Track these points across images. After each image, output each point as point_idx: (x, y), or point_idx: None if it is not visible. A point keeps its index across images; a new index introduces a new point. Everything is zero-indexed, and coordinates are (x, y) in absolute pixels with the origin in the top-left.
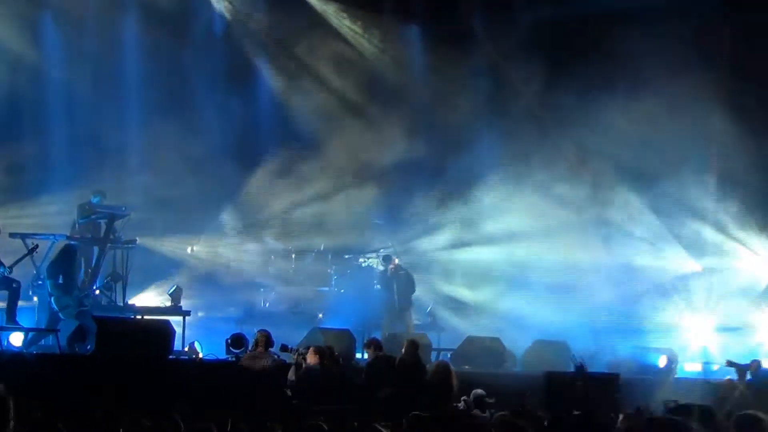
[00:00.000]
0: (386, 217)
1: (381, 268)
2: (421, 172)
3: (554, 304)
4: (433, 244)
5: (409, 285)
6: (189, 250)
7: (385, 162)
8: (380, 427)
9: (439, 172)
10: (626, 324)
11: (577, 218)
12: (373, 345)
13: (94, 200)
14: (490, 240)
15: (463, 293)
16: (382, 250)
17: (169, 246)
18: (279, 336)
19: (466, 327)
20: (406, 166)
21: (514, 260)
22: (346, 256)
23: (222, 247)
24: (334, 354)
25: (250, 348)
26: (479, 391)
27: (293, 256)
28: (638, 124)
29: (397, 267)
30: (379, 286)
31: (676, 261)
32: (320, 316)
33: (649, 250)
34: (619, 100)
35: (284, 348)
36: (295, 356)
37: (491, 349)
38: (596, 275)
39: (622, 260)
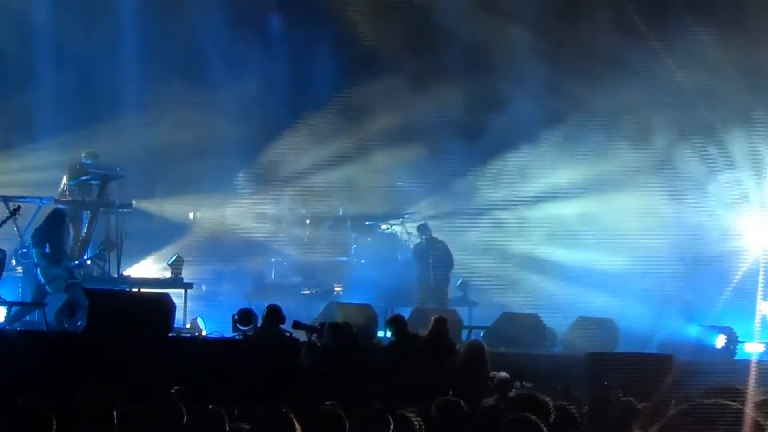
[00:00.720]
0: (416, 180)
1: (415, 238)
2: (459, 131)
3: (603, 277)
4: (470, 210)
5: (447, 258)
6: (192, 215)
7: (422, 120)
8: (407, 414)
9: (478, 131)
10: (690, 298)
11: (638, 180)
12: (397, 322)
13: (87, 162)
14: (534, 205)
15: (501, 265)
16: (407, 215)
17: (170, 210)
18: (292, 311)
19: (502, 302)
20: (443, 124)
21: (561, 227)
22: (367, 223)
23: (230, 211)
24: (352, 332)
25: (259, 324)
26: (503, 374)
27: (308, 222)
28: (700, 73)
29: (434, 238)
30: (413, 258)
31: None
32: (338, 289)
33: (724, 214)
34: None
35: (297, 325)
36: (310, 334)
37: (529, 326)
38: (658, 243)
39: (692, 225)
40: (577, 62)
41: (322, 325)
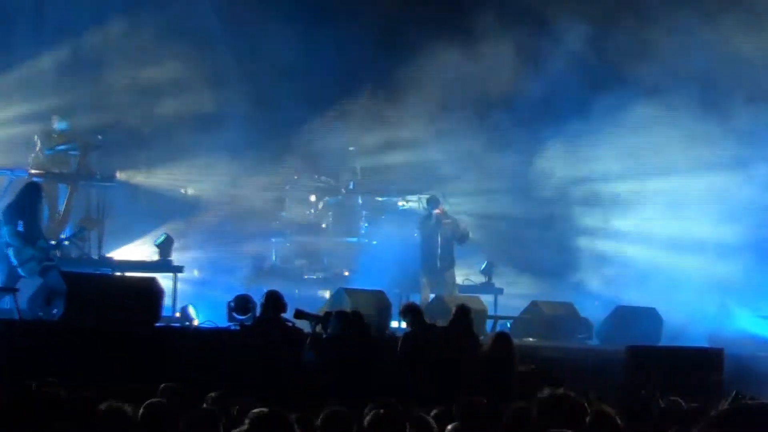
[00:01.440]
0: (442, 153)
1: (423, 212)
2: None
3: (645, 262)
4: (492, 188)
5: (455, 237)
6: (183, 191)
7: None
8: (425, 416)
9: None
10: (748, 285)
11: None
12: (412, 311)
13: (60, 126)
14: (571, 186)
15: (531, 250)
16: (426, 192)
17: (159, 184)
18: (294, 299)
19: (531, 289)
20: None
21: (599, 208)
22: (380, 199)
23: (226, 186)
24: (363, 322)
25: (257, 314)
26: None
27: (313, 198)
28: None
29: (443, 214)
30: (418, 235)
31: None
32: (347, 274)
33: None
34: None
35: (300, 314)
36: (314, 324)
37: (562, 316)
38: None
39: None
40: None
41: (328, 314)
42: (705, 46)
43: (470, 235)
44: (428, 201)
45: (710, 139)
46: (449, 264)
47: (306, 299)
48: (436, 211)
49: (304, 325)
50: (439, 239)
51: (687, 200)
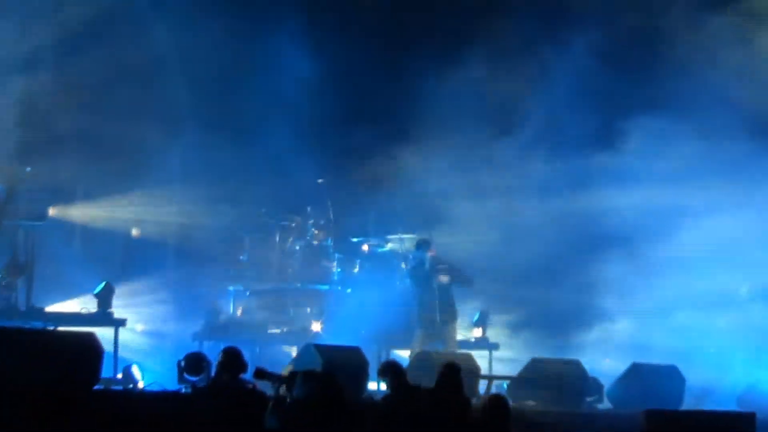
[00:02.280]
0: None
1: (411, 258)
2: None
3: (663, 310)
4: (484, 228)
5: (457, 282)
6: (134, 232)
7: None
8: None
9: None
10: None
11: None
12: (393, 371)
13: None
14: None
15: (529, 298)
16: (407, 231)
17: (97, 220)
18: (256, 357)
19: (532, 344)
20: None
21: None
22: (354, 239)
23: (176, 223)
24: (335, 383)
25: (213, 374)
26: None
27: (277, 236)
28: None
29: (437, 258)
30: (410, 284)
31: None
32: (317, 327)
33: None
34: None
35: (261, 373)
36: (278, 386)
37: (568, 376)
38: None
39: None
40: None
41: (294, 374)
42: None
43: (473, 280)
44: (418, 244)
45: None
46: (451, 316)
47: (269, 357)
48: (430, 253)
49: (266, 387)
50: (437, 287)
51: (712, 247)
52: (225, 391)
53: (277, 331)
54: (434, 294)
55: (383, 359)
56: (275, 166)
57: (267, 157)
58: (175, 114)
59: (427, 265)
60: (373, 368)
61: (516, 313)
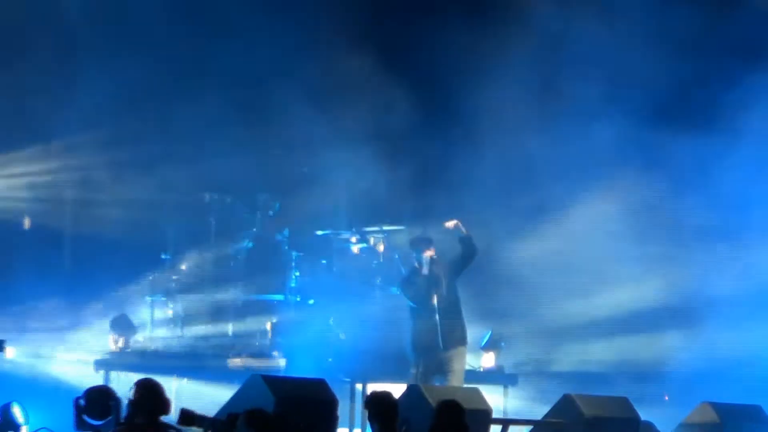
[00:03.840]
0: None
1: (398, 259)
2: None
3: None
4: (493, 218)
5: (457, 293)
6: (26, 222)
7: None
8: None
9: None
10: None
11: None
12: (385, 410)
13: None
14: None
15: (559, 314)
16: (393, 223)
17: None
18: (182, 393)
19: (561, 375)
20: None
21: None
22: (320, 232)
23: (72, 202)
24: (288, 428)
25: (122, 416)
26: None
27: (213, 226)
28: None
29: (437, 260)
30: (402, 295)
31: None
32: (268, 353)
33: None
34: None
35: (188, 416)
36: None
37: (612, 420)
38: None
39: None
40: None
41: (233, 416)
42: None
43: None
44: (413, 243)
45: None
46: (459, 338)
47: (200, 393)
48: (428, 253)
49: None
50: (436, 298)
51: None
52: None
53: (213, 356)
54: (433, 312)
55: (358, 394)
56: (214, 129)
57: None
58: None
59: (425, 271)
60: (344, 409)
61: (541, 328)
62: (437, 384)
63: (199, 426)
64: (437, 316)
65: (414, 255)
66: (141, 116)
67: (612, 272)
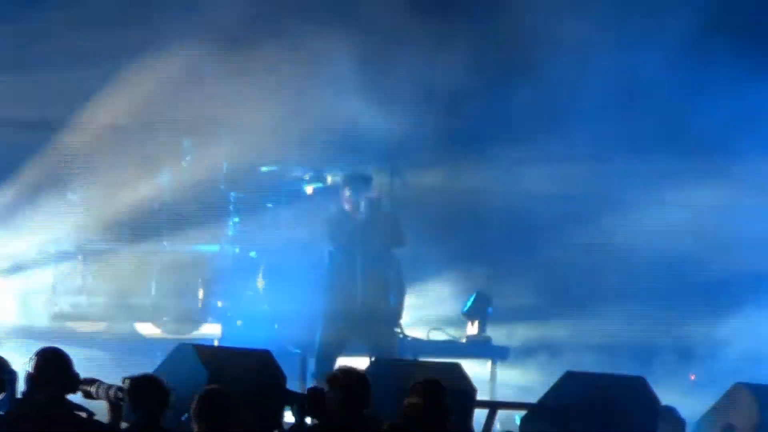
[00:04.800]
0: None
1: (345, 200)
2: None
3: None
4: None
5: (400, 241)
6: None
7: None
8: None
9: None
10: None
11: None
12: (346, 387)
13: None
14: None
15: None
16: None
17: None
18: (92, 367)
19: (565, 349)
20: None
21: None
22: (265, 168)
23: None
24: (226, 405)
25: (22, 392)
26: None
27: (128, 154)
28: None
29: (378, 201)
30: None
31: None
32: (199, 317)
33: None
34: None
35: (89, 390)
36: (131, 405)
37: (624, 403)
38: None
39: None
40: None
41: (136, 381)
42: None
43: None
44: (349, 180)
45: None
46: (396, 296)
47: (115, 366)
48: (371, 195)
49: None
50: (366, 246)
51: None
52: (39, 419)
53: (128, 320)
54: (355, 260)
55: (314, 371)
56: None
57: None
58: None
59: (362, 214)
60: (292, 385)
61: (535, 294)
62: (375, 352)
63: (97, 397)
64: (360, 275)
65: (348, 194)
66: None
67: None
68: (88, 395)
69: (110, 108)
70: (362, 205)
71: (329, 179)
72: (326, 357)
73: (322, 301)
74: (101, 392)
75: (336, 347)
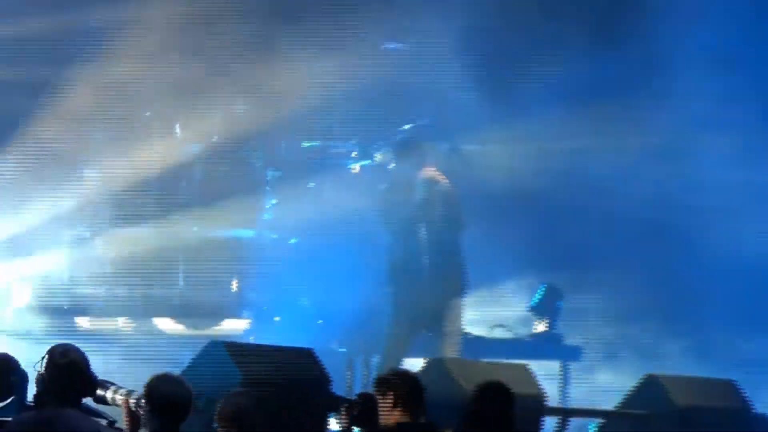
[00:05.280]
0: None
1: (397, 179)
2: None
3: None
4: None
5: (458, 225)
6: None
7: None
8: None
9: None
10: None
11: None
12: (397, 392)
13: None
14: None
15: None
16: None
17: None
18: (111, 370)
19: (645, 348)
20: None
21: None
22: (306, 144)
23: None
24: (254, 414)
25: (28, 397)
26: None
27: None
28: None
29: (435, 180)
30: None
31: None
32: (233, 313)
33: None
34: None
35: (101, 396)
36: (148, 413)
37: (713, 411)
38: None
39: None
40: None
41: (156, 383)
42: None
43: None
44: (399, 155)
45: None
46: (454, 286)
47: (136, 369)
48: (427, 171)
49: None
50: (426, 234)
51: None
52: (52, 426)
53: (155, 318)
54: (417, 246)
55: (360, 374)
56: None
57: None
58: None
59: (420, 193)
60: (338, 388)
61: (613, 289)
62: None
63: (113, 403)
64: (424, 256)
65: (400, 172)
66: None
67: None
68: (102, 400)
69: (136, 65)
70: (417, 184)
71: (378, 156)
72: (392, 357)
73: (381, 296)
74: (118, 398)
75: (402, 347)
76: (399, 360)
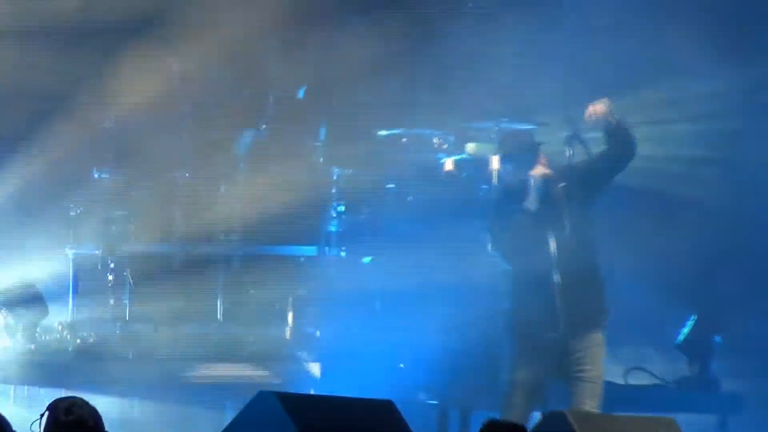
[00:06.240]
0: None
1: (503, 179)
2: None
3: None
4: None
5: (593, 235)
6: None
7: None
8: None
9: None
10: None
11: None
12: None
13: None
14: None
15: None
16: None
17: None
18: (129, 420)
19: None
20: None
21: None
22: (384, 132)
23: None
24: None
25: None
26: None
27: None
28: None
29: (549, 173)
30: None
31: None
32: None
33: None
34: None
35: None
36: None
37: None
38: None
39: None
40: None
41: None
42: None
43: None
44: (505, 146)
45: None
46: (593, 316)
47: (163, 425)
48: (539, 170)
49: None
50: (555, 250)
51: None
52: None
53: (186, 363)
54: (546, 273)
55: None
56: None
57: None
58: None
59: (531, 203)
60: None
61: None
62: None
63: None
64: (555, 280)
65: (511, 168)
66: None
67: None
68: None
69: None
70: (530, 184)
71: (475, 148)
72: (514, 415)
73: (485, 333)
74: None
75: (526, 399)
76: (525, 418)
